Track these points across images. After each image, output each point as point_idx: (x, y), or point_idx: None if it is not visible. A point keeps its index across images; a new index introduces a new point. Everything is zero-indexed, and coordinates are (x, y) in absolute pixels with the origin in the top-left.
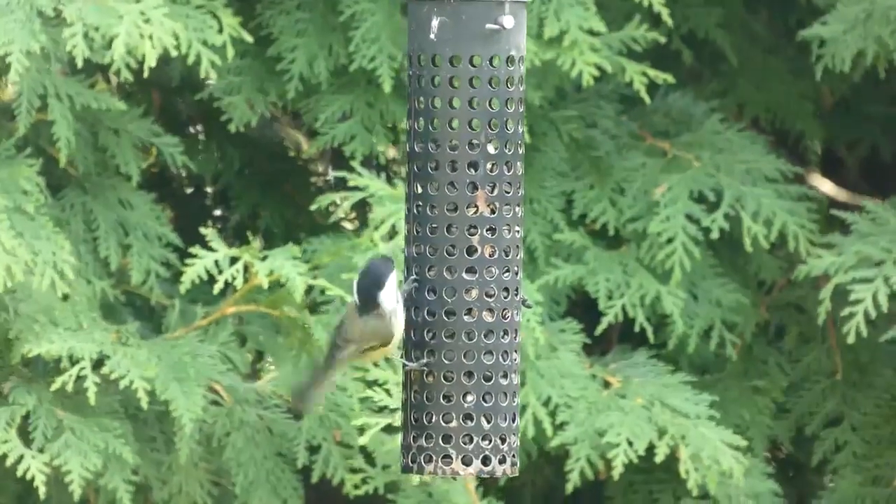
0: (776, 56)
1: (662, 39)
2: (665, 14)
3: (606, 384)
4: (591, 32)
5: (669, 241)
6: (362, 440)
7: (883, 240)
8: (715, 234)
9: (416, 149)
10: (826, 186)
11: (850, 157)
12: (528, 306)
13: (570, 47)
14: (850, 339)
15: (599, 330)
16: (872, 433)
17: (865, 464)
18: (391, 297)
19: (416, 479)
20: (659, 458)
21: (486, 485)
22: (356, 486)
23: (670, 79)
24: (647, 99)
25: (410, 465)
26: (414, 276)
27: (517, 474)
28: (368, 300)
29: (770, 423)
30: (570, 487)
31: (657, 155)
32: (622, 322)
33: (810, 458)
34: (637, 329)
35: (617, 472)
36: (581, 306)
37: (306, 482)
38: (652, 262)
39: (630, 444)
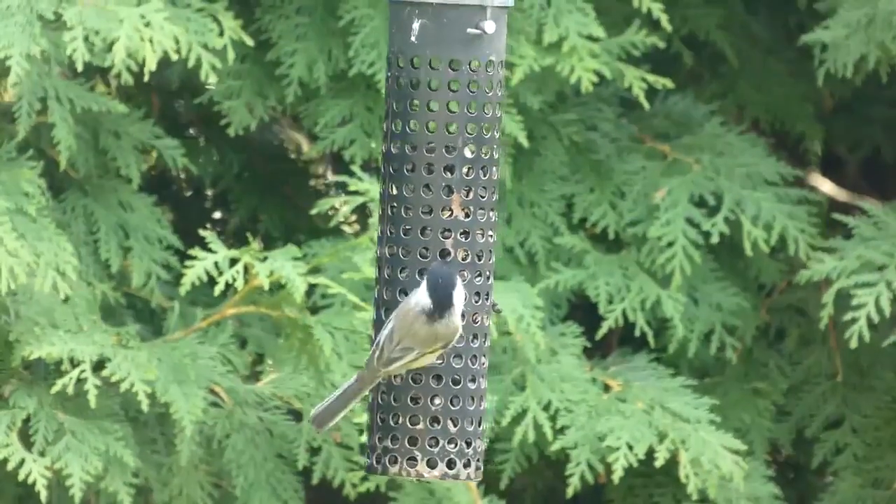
0: (776, 57)
1: (662, 44)
2: (664, 20)
3: (607, 388)
4: (591, 38)
5: (669, 244)
6: (363, 438)
7: (885, 244)
8: (715, 239)
9: (392, 150)
10: (826, 187)
11: (851, 157)
12: (498, 311)
13: (569, 53)
14: (853, 344)
15: (600, 334)
16: (873, 435)
17: (866, 466)
18: (461, 299)
19: (415, 479)
20: (659, 463)
21: (488, 484)
22: (357, 484)
23: (669, 84)
24: (646, 105)
25: (375, 465)
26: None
27: (481, 479)
28: (444, 304)
29: (770, 425)
30: (570, 491)
31: (657, 158)
32: (622, 326)
33: (810, 460)
34: (637, 333)
35: (617, 475)
36: (581, 310)
37: (307, 484)
38: (652, 266)
39: (630, 448)
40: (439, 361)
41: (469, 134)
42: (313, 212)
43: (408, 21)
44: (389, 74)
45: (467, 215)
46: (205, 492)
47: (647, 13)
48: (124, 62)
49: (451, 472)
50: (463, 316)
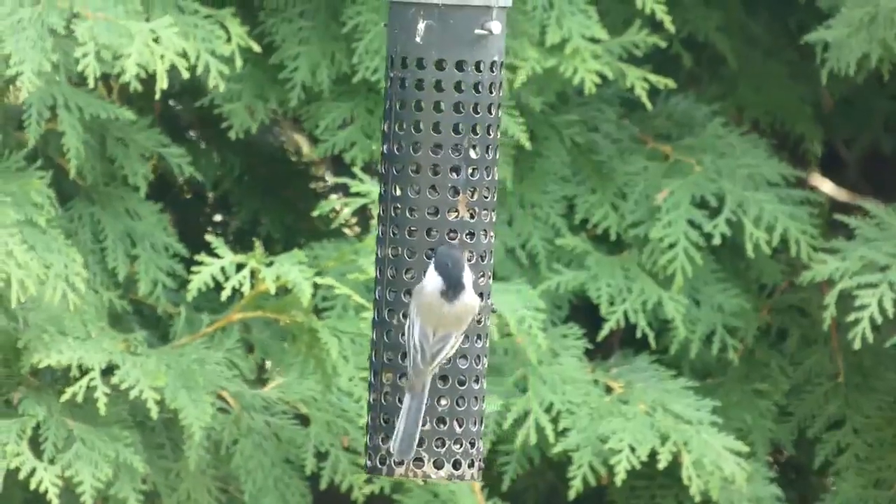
0: (776, 59)
1: (663, 44)
2: (667, 21)
3: (609, 389)
4: (593, 40)
5: (671, 246)
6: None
7: (887, 244)
8: (717, 240)
9: (395, 151)
10: (827, 187)
11: (851, 155)
12: (494, 311)
13: (571, 55)
14: (857, 345)
15: (601, 336)
16: (875, 436)
17: (868, 466)
18: (469, 277)
19: (421, 480)
20: (661, 465)
21: (492, 487)
22: (362, 486)
23: (671, 83)
24: (648, 105)
25: (379, 466)
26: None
27: (482, 480)
28: (457, 284)
29: (772, 426)
30: (572, 493)
31: (659, 159)
32: (624, 327)
33: (812, 460)
34: (639, 335)
35: (619, 478)
36: (583, 312)
37: (314, 489)
38: (653, 267)
39: (632, 450)
40: (447, 364)
41: (475, 134)
42: (314, 214)
43: (412, 22)
44: (392, 75)
45: (472, 216)
46: (213, 497)
47: (647, 14)
48: (135, 75)
49: (456, 473)
50: (481, 296)
